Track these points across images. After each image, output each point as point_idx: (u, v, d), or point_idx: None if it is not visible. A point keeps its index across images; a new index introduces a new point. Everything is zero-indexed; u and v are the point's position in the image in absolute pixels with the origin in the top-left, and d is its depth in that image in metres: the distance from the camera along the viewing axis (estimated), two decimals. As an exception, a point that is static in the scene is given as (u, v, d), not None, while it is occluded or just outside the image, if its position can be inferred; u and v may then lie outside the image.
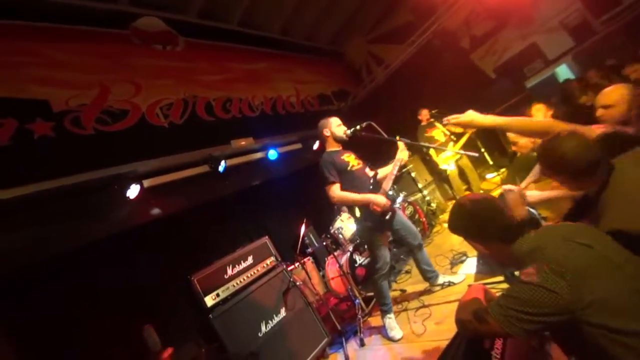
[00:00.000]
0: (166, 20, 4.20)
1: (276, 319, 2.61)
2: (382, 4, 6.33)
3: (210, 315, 2.34)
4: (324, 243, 3.64)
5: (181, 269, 2.59)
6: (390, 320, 2.58)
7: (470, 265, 2.96)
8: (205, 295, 2.42)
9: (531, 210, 1.94)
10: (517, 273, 1.49)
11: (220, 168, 3.99)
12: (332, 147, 2.78)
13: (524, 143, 2.45)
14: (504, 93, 5.84)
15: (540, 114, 3.00)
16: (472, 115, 1.72)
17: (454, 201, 5.30)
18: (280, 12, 5.52)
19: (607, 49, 4.94)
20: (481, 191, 4.90)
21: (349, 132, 2.73)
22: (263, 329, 2.50)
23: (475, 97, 5.86)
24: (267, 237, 3.08)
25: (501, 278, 2.36)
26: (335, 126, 2.78)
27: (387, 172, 2.72)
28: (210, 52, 4.85)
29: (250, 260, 2.82)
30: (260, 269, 2.83)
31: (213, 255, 2.77)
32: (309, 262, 3.91)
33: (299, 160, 5.40)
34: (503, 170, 5.47)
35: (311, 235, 4.42)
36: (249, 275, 2.73)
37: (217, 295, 2.46)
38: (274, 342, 2.49)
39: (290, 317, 2.71)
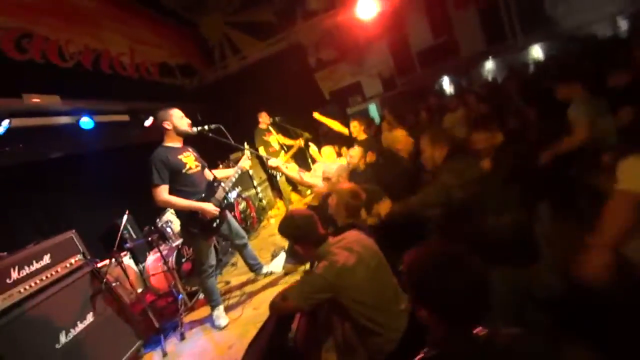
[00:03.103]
0: None
1: (80, 327, 2.26)
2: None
3: (-20, 334, 1.78)
4: (149, 238, 3.35)
5: None
6: (218, 312, 2.71)
7: (283, 257, 3.54)
8: (-26, 308, 1.81)
9: None
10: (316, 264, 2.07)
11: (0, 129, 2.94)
12: (172, 141, 2.56)
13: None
14: (333, 113, 7.06)
15: (355, 129, 4.27)
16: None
17: (281, 201, 5.90)
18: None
19: (403, 102, 6.89)
20: (307, 191, 5.73)
21: (195, 129, 2.61)
22: (62, 339, 2.11)
23: (311, 112, 6.78)
24: (73, 231, 2.56)
25: (307, 266, 3.07)
26: (179, 118, 2.55)
27: (226, 174, 2.78)
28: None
29: (47, 259, 2.28)
30: (61, 269, 2.33)
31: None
32: (125, 257, 3.48)
33: (124, 135, 4.58)
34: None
35: (129, 227, 3.90)
36: (45, 277, 2.21)
37: (-6, 307, 1.89)
38: (76, 353, 2.15)
39: (100, 322, 2.40)
